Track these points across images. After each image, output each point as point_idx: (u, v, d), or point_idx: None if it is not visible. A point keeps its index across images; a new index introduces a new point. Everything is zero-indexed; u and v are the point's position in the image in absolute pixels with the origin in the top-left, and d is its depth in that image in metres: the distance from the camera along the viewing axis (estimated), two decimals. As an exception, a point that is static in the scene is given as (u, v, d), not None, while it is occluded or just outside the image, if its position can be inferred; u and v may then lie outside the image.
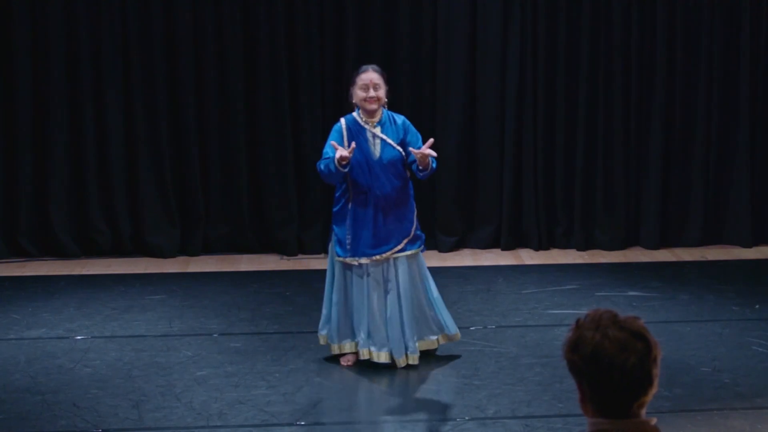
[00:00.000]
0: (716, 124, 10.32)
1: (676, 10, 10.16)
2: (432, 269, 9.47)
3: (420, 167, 6.71)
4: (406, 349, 6.96)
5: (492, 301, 8.57)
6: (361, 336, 6.94)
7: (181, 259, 10.04)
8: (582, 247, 10.28)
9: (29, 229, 10.02)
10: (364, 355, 6.96)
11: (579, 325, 2.62)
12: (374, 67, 6.91)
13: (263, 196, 10.21)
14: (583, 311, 2.67)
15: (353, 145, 6.64)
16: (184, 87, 9.99)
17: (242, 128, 10.08)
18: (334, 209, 6.96)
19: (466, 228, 10.38)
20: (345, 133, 6.82)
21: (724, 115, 10.31)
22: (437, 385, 6.84)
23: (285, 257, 10.09)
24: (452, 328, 7.19)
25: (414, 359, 6.99)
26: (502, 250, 10.27)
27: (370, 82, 6.78)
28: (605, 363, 2.55)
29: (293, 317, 8.17)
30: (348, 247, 6.85)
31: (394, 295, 6.90)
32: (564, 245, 10.33)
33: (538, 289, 8.88)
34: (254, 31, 10.01)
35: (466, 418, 6.27)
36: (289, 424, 6.19)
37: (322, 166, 6.76)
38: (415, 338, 7.00)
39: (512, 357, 7.28)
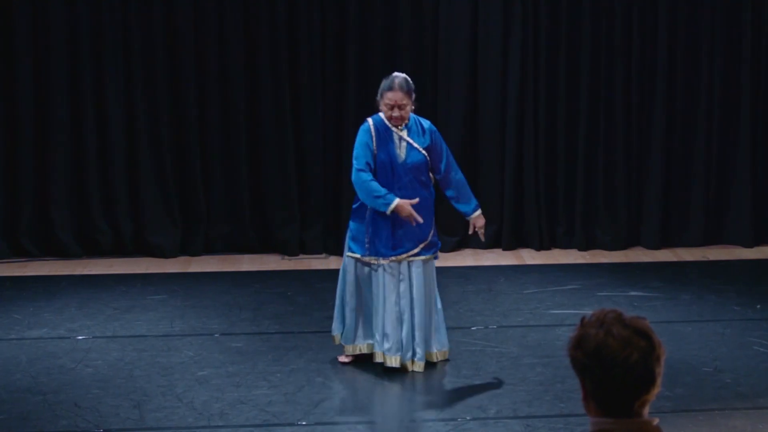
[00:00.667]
0: (717, 124, 10.31)
1: (677, 10, 10.15)
2: (433, 269, 9.56)
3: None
4: (414, 354, 6.94)
5: (493, 301, 8.57)
6: (377, 338, 6.94)
7: (182, 259, 10.04)
8: (583, 247, 10.27)
9: (31, 229, 10.02)
10: (377, 357, 6.94)
11: (584, 323, 2.63)
12: (401, 83, 6.82)
13: (264, 196, 10.21)
14: (584, 311, 2.68)
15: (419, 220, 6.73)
16: (185, 87, 9.99)
17: (243, 128, 10.08)
18: (354, 206, 6.97)
19: (467, 228, 10.34)
20: (374, 135, 6.83)
21: (725, 115, 10.31)
22: (438, 384, 6.85)
23: (286, 257, 10.09)
24: (446, 344, 7.17)
25: (419, 366, 6.96)
26: (504, 250, 10.27)
27: (395, 102, 6.79)
28: (608, 359, 2.55)
29: (294, 317, 8.17)
30: (366, 245, 6.86)
31: (407, 298, 6.89)
32: (565, 245, 10.33)
33: (540, 289, 8.88)
34: (255, 31, 10.01)
35: (468, 417, 6.27)
36: (291, 424, 6.20)
37: (362, 181, 6.73)
38: (423, 345, 6.97)
39: (513, 357, 7.28)
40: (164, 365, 7.13)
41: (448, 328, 7.76)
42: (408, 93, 6.82)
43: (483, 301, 8.57)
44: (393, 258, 6.85)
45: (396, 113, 6.78)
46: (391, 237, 6.83)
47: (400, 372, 6.94)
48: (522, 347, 7.47)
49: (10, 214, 10.03)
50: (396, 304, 6.86)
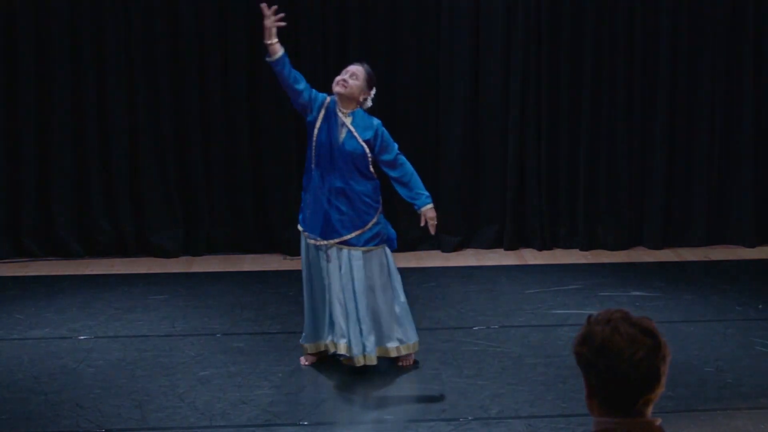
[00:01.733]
0: (720, 124, 10.31)
1: (679, 8, 10.15)
2: (435, 269, 9.56)
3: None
4: (364, 348, 6.81)
5: (495, 301, 8.57)
6: (326, 326, 6.87)
7: (184, 259, 10.04)
8: (585, 247, 10.27)
9: (33, 229, 10.02)
10: (330, 348, 6.84)
11: (590, 321, 2.63)
12: (365, 65, 6.94)
13: (266, 196, 10.22)
14: (586, 311, 2.70)
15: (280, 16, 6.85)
16: (187, 87, 9.99)
17: (245, 128, 10.08)
18: (304, 178, 6.96)
19: (469, 228, 10.38)
20: (323, 110, 6.83)
21: (728, 115, 10.31)
22: (440, 384, 6.84)
23: (288, 257, 10.09)
24: (413, 337, 7.04)
25: (371, 359, 6.83)
26: (506, 250, 10.27)
27: (350, 69, 6.86)
28: (614, 355, 2.56)
29: (296, 317, 8.15)
30: (306, 219, 6.87)
31: (350, 289, 6.79)
32: (567, 245, 10.33)
33: (542, 289, 8.87)
34: (257, 31, 10.00)
35: (470, 417, 6.27)
36: (292, 424, 6.20)
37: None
38: (373, 339, 6.84)
39: (515, 357, 7.27)
40: (166, 365, 7.13)
41: (450, 328, 7.78)
42: (366, 74, 6.85)
43: (485, 301, 8.56)
44: (326, 242, 6.80)
45: (344, 76, 6.80)
46: (323, 219, 6.78)
47: (401, 371, 6.94)
48: (524, 347, 7.47)
49: (12, 214, 10.03)
50: (339, 291, 6.78)
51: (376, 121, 6.90)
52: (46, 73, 9.88)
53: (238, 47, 9.99)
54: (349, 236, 6.78)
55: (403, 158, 6.91)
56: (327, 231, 6.80)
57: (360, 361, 6.82)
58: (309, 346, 7.09)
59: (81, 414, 6.32)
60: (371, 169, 6.85)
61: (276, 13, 6.90)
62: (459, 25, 10.16)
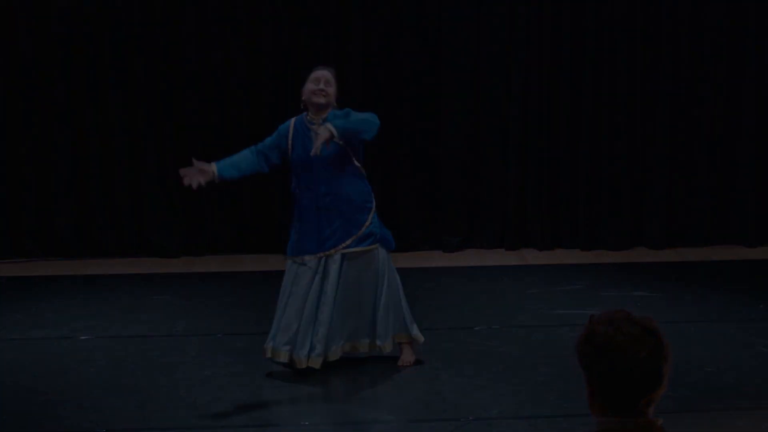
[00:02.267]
0: (721, 124, 10.31)
1: (679, 9, 10.15)
2: (436, 269, 9.55)
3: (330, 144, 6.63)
4: (311, 350, 6.73)
5: (496, 301, 8.56)
6: (272, 332, 6.81)
7: (185, 259, 10.04)
8: (587, 247, 10.26)
9: (33, 229, 10.02)
10: (266, 353, 6.79)
11: (592, 321, 2.63)
12: (329, 68, 6.94)
13: (267, 195, 10.21)
14: (587, 311, 2.69)
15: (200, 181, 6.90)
16: (187, 86, 9.99)
17: (246, 127, 10.07)
18: (295, 207, 6.97)
19: (470, 228, 10.37)
20: (291, 132, 6.85)
21: (729, 115, 10.30)
22: (441, 384, 6.83)
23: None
24: (382, 338, 6.90)
25: (315, 363, 6.72)
26: (507, 249, 10.26)
27: (322, 77, 6.82)
28: (616, 354, 2.56)
29: (297, 317, 8.15)
30: (294, 245, 6.84)
31: (316, 291, 6.75)
32: (569, 245, 10.32)
33: (543, 289, 8.87)
34: (257, 31, 10.01)
35: (471, 417, 6.26)
36: (294, 424, 6.19)
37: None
38: (334, 342, 6.76)
39: (517, 357, 7.27)
40: (167, 365, 7.12)
41: (451, 328, 7.77)
42: (335, 77, 6.86)
43: (486, 301, 8.56)
44: (321, 254, 6.76)
45: (322, 86, 6.76)
46: (315, 232, 6.76)
47: (402, 371, 6.93)
48: (525, 347, 7.46)
49: (12, 215, 10.03)
50: (297, 297, 6.72)
51: (343, 113, 6.83)
52: (46, 71, 9.87)
53: (238, 48, 9.98)
54: (344, 243, 6.77)
55: (372, 114, 6.75)
56: (320, 243, 6.77)
57: (302, 364, 6.74)
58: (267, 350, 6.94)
59: (82, 414, 6.32)
60: (356, 163, 6.80)
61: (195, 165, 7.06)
62: (460, 24, 10.15)
